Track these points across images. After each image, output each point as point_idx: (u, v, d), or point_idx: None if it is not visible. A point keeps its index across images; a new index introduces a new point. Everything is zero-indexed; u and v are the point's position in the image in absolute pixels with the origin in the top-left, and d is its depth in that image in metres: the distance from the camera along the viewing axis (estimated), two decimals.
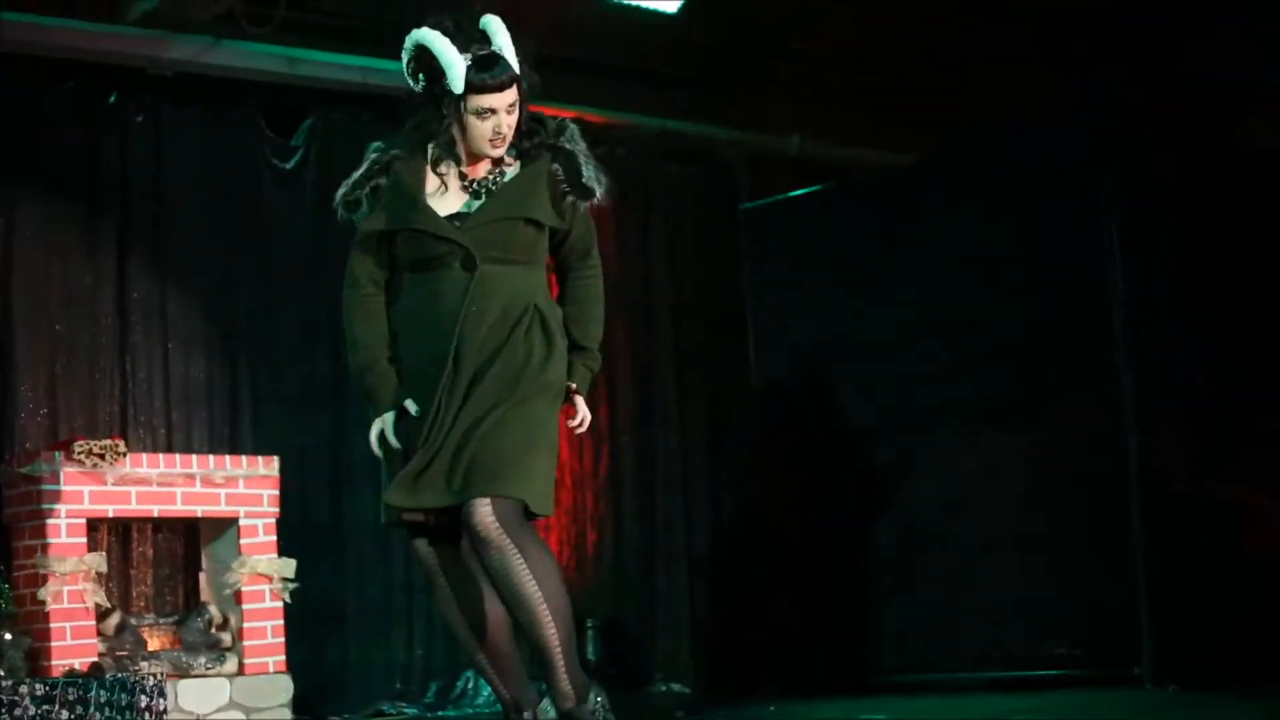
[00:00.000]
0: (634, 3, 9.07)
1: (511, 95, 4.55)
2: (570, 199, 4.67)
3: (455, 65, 4.47)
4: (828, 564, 9.07)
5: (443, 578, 4.70)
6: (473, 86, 4.48)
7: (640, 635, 9.55)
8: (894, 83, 9.92)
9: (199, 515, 7.78)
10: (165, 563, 8.15)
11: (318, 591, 8.22)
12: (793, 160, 10.30)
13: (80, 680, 6.70)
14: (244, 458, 7.90)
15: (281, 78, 8.61)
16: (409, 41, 4.58)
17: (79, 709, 6.43)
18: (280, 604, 7.84)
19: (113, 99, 8.32)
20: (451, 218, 4.57)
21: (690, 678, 9.56)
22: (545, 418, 4.61)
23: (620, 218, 9.90)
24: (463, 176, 4.64)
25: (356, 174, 4.70)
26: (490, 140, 4.54)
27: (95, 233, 8.27)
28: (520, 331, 4.57)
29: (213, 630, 7.79)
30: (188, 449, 8.12)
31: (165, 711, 6.52)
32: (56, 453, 7.46)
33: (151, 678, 6.67)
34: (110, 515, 7.61)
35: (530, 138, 4.68)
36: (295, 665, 7.91)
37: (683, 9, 9.04)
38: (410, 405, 4.59)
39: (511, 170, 4.65)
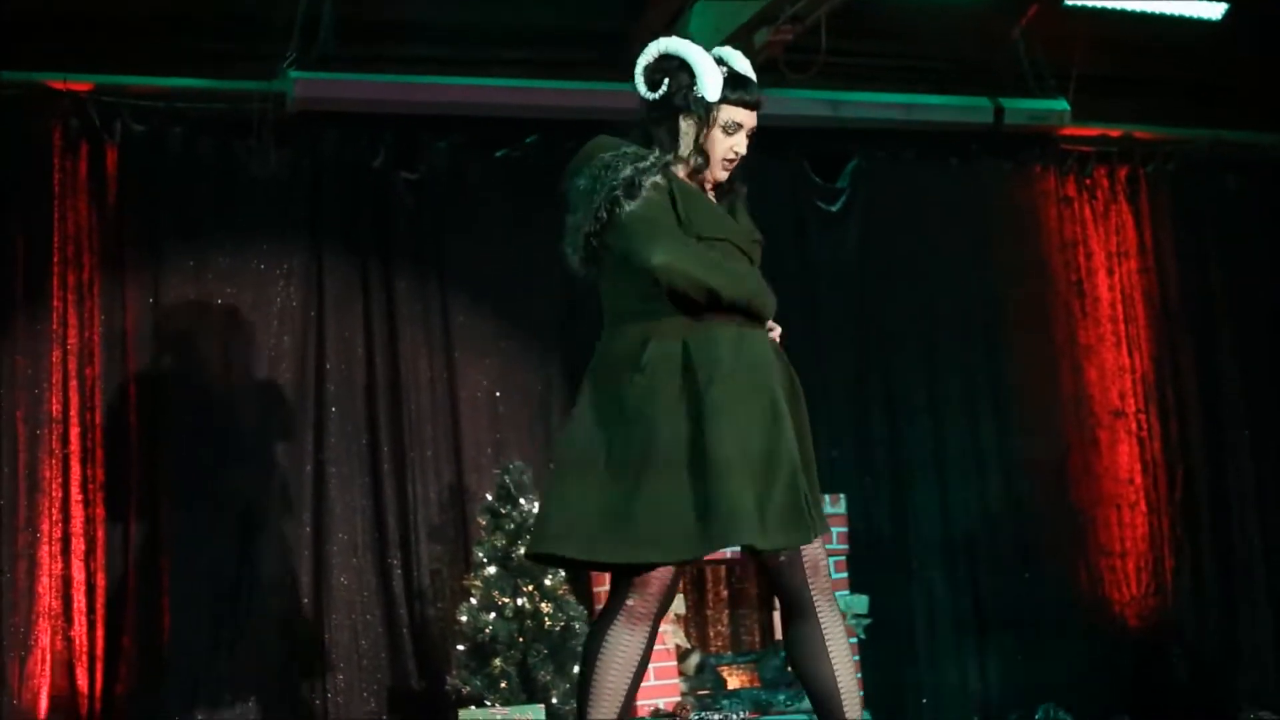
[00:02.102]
0: (1175, 12, 8.83)
1: (755, 120, 4.36)
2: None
3: (712, 73, 4.27)
4: None
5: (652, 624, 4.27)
6: (728, 99, 4.28)
7: (1225, 662, 9.21)
8: None
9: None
10: (741, 603, 8.33)
11: (890, 625, 8.26)
12: None
13: (667, 719, 6.91)
14: None
15: (824, 121, 8.69)
16: (653, 48, 4.36)
17: None
18: (855, 639, 7.90)
19: None
20: None
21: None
22: None
23: (1176, 234, 9.65)
24: None
25: (627, 159, 4.22)
26: (727, 159, 4.32)
27: None
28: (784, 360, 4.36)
29: (789, 668, 7.90)
30: None
31: None
32: None
33: (734, 716, 6.82)
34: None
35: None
36: (871, 698, 7.95)
37: (1227, 14, 8.75)
38: None
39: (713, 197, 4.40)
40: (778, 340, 4.40)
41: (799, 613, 4.26)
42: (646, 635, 4.23)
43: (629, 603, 4.19)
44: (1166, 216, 9.70)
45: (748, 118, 4.34)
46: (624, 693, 4.21)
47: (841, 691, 4.26)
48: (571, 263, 4.33)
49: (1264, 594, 9.42)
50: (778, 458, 4.11)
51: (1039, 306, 9.35)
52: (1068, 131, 9.30)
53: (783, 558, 4.21)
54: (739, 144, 4.33)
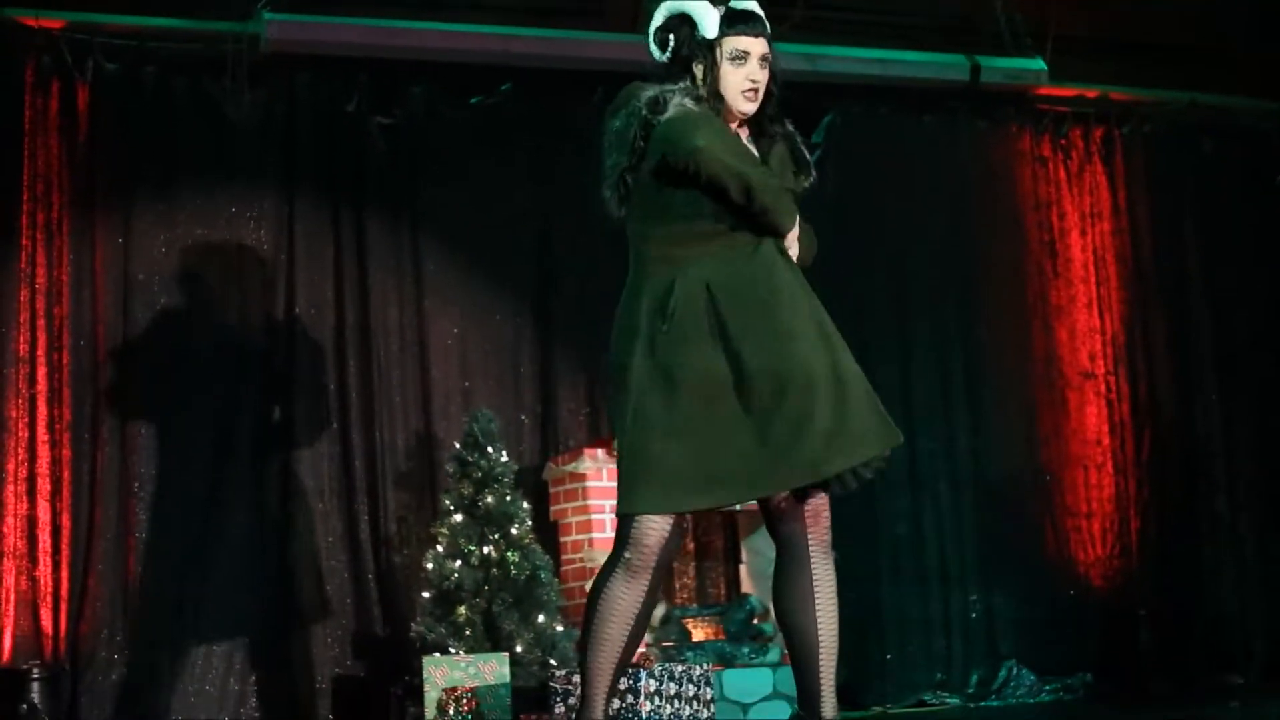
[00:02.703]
0: None
1: (764, 46, 4.36)
2: (799, 177, 4.44)
3: (709, 14, 4.33)
4: None
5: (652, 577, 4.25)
6: (726, 32, 4.31)
7: (1190, 623, 9.24)
8: None
9: (737, 509, 7.92)
10: (707, 555, 8.34)
11: (854, 583, 8.25)
12: None
13: (630, 670, 6.90)
14: None
15: (800, 75, 8.61)
16: (658, 13, 4.41)
17: (629, 698, 6.62)
18: None
19: None
20: None
21: (1243, 668, 9.20)
22: None
23: (1151, 196, 9.64)
24: None
25: (661, 86, 4.29)
26: (744, 91, 4.33)
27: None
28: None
29: (754, 621, 7.92)
30: None
31: (712, 700, 6.65)
32: (599, 450, 7.72)
33: (697, 668, 6.82)
34: None
35: (769, 118, 4.45)
36: (838, 656, 7.95)
37: None
38: None
39: (751, 147, 4.42)
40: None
41: (793, 561, 4.26)
42: (645, 588, 4.23)
43: (626, 555, 4.20)
44: (1141, 178, 9.69)
45: (753, 44, 4.35)
46: (623, 643, 4.24)
47: (821, 646, 4.27)
48: (610, 207, 4.34)
49: (1230, 557, 9.45)
50: (831, 379, 4.34)
51: (1011, 266, 9.35)
52: (1044, 91, 9.29)
53: (783, 504, 4.24)
54: (752, 72, 4.35)
